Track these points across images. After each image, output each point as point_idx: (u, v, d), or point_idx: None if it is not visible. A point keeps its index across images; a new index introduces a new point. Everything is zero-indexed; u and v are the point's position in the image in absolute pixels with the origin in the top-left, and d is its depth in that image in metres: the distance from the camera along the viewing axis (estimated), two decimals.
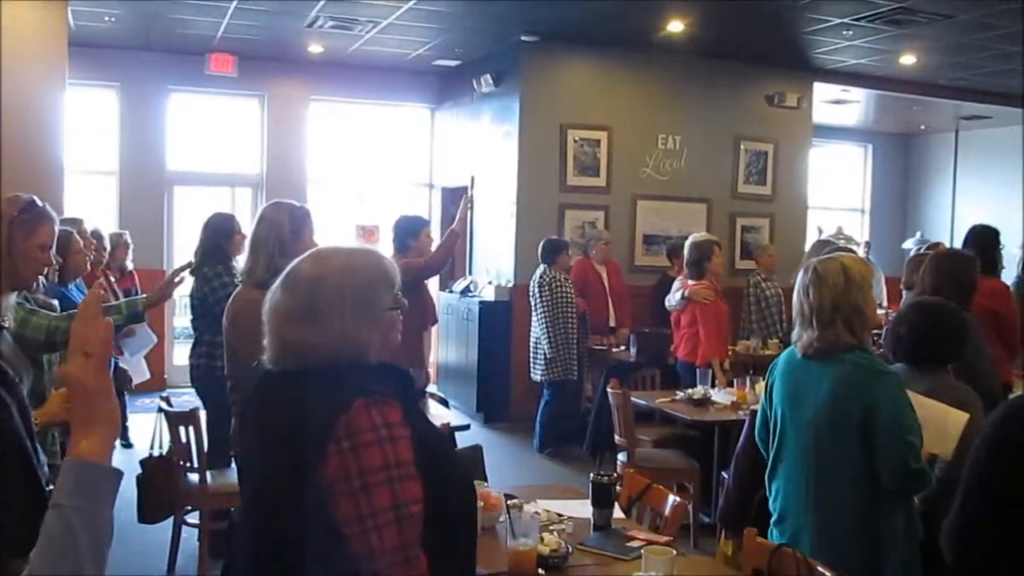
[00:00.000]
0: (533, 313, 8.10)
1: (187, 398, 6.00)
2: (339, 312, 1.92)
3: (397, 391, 1.91)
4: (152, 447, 6.65)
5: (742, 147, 10.26)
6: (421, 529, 1.82)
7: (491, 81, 9.59)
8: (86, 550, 1.32)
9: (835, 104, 11.91)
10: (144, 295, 4.13)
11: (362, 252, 2.06)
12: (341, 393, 1.84)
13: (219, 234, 5.49)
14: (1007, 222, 8.80)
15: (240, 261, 4.87)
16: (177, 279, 3.99)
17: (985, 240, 5.74)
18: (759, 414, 3.35)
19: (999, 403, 2.51)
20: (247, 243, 3.97)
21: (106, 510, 1.37)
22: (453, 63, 10.45)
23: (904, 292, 6.22)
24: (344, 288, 1.94)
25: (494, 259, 9.88)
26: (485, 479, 3.75)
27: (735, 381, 6.24)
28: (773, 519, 3.15)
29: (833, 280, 2.96)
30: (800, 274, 3.10)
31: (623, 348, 8.26)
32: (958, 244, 6.47)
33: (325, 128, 11.10)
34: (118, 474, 1.41)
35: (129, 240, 7.89)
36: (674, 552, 2.83)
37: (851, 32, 8.64)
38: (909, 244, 11.94)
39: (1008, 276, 6.48)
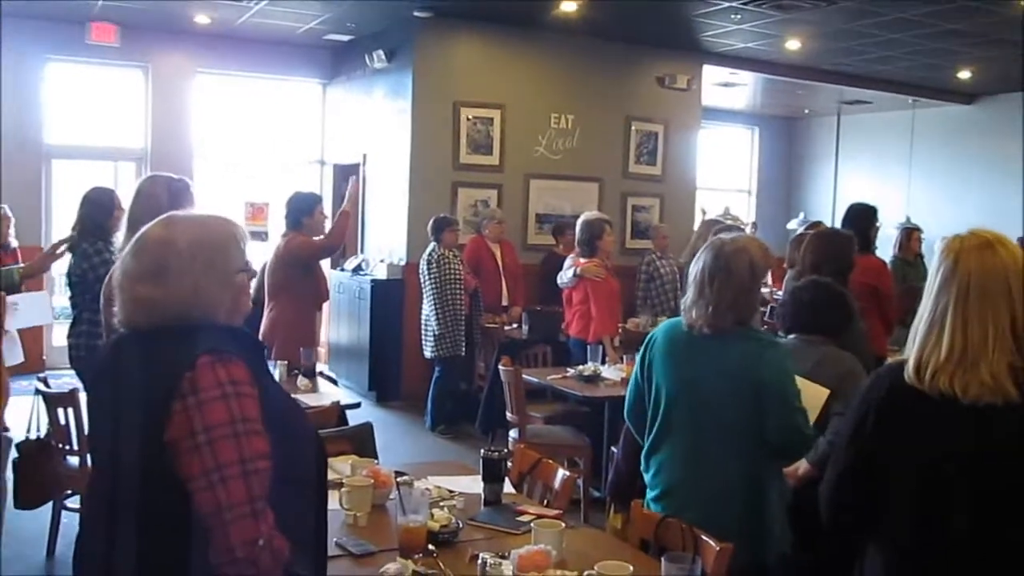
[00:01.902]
0: (423, 290, 8.08)
1: (67, 379, 5.80)
2: (188, 270, 1.94)
3: (245, 351, 1.94)
4: (29, 431, 6.40)
5: (633, 127, 10.38)
6: (269, 487, 1.84)
7: (383, 57, 9.48)
8: None
9: (724, 87, 12.15)
10: (20, 265, 3.98)
11: (212, 216, 2.10)
12: (187, 351, 1.86)
13: (99, 209, 5.30)
14: (885, 203, 9.12)
15: (119, 238, 4.72)
16: (59, 251, 3.85)
17: (862, 218, 5.96)
18: (631, 391, 3.35)
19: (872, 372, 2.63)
20: (124, 219, 3.86)
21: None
22: (345, 38, 10.29)
23: (788, 271, 6.41)
24: (194, 247, 1.97)
25: (386, 237, 9.80)
26: (376, 457, 3.73)
27: (624, 357, 6.34)
28: (653, 494, 3.17)
29: (739, 278, 3.02)
30: (709, 254, 3.09)
31: (515, 326, 8.30)
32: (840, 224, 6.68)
33: (213, 102, 10.81)
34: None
35: (9, 212, 7.56)
36: (563, 525, 2.86)
37: (739, 16, 8.81)
38: (793, 224, 12.28)
39: (884, 254, 6.73)
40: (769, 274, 11.92)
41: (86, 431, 4.66)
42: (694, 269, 3.12)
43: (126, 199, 5.12)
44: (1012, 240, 2.27)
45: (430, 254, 8.00)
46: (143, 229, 2.04)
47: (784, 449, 3.05)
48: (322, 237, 6.24)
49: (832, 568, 3.58)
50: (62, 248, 3.98)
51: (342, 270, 10.10)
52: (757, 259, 3.07)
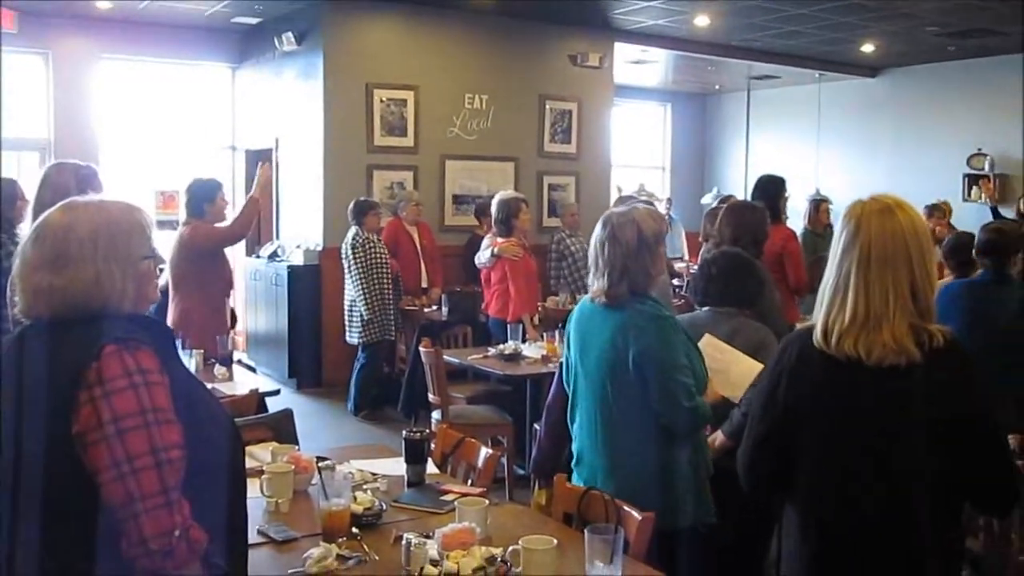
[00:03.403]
0: (347, 275, 7.99)
1: None
2: (90, 256, 1.89)
3: (152, 339, 1.90)
4: None
5: (547, 106, 10.40)
6: (183, 476, 1.81)
7: (293, 39, 9.33)
8: None
9: (635, 64, 12.23)
10: None
11: (115, 202, 2.04)
12: (92, 341, 1.81)
13: (1, 201, 5.13)
14: (796, 175, 9.30)
15: (24, 229, 4.57)
16: None
17: (770, 189, 6.10)
18: (563, 362, 3.47)
19: None
20: (30, 209, 3.74)
21: None
22: (253, 20, 10.08)
23: (703, 244, 6.52)
24: (96, 233, 1.91)
25: (302, 222, 9.68)
26: (296, 443, 3.70)
27: (544, 335, 6.38)
28: (574, 461, 3.27)
29: (626, 245, 3.07)
30: (599, 226, 3.18)
31: (435, 308, 8.29)
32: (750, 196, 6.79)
33: (118, 89, 10.52)
34: None
35: None
36: (487, 503, 2.88)
37: None
38: (708, 199, 12.45)
39: (795, 227, 6.87)
40: (686, 248, 12.14)
41: None
42: (591, 243, 3.21)
43: (30, 189, 4.97)
44: (914, 206, 2.33)
45: (354, 238, 7.91)
46: (42, 216, 1.98)
47: (667, 421, 3.05)
48: (228, 224, 6.11)
49: (753, 536, 3.68)
50: None
51: (257, 257, 9.95)
52: (645, 226, 3.11)
